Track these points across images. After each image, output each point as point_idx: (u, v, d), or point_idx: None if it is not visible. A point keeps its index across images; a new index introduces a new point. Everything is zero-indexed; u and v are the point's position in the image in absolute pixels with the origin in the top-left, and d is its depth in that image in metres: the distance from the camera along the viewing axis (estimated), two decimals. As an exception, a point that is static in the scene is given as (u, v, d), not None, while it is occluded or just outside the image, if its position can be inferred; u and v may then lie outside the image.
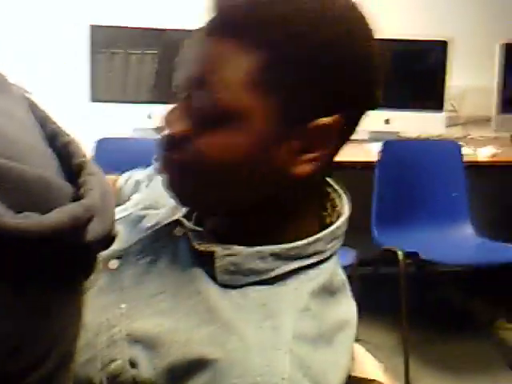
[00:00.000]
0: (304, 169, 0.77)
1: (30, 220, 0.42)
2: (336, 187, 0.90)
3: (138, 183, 1.03)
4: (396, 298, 2.86)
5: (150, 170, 1.02)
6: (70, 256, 0.48)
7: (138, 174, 1.05)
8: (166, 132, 0.78)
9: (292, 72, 0.73)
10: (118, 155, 2.66)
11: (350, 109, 0.78)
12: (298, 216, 0.83)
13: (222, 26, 0.75)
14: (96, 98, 3.22)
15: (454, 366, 2.96)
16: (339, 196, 0.88)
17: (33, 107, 0.55)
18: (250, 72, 0.73)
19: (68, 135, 0.55)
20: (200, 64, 0.76)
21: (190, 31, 0.79)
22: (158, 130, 0.79)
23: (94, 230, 0.49)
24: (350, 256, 2.66)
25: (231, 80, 0.73)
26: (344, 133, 0.79)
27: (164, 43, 3.20)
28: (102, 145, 2.86)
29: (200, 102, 0.75)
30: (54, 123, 0.56)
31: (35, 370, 0.48)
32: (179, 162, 0.78)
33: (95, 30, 3.17)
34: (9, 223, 0.41)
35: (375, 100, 0.81)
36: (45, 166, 0.48)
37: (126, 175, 1.06)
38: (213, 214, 0.86)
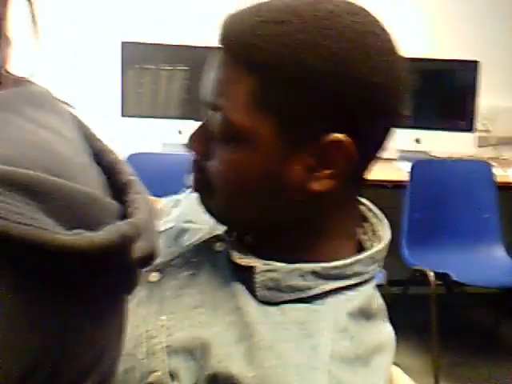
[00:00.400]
0: (323, 185, 0.77)
1: (81, 237, 0.43)
2: (376, 212, 0.89)
3: (178, 202, 1.03)
4: (425, 319, 2.83)
5: (190, 190, 1.03)
6: (116, 273, 0.49)
7: (179, 196, 1.06)
8: (190, 152, 0.83)
9: (283, 93, 0.74)
10: (148, 170, 2.67)
11: (367, 125, 0.77)
12: (332, 236, 0.82)
13: (229, 50, 0.77)
14: (127, 113, 3.25)
15: (485, 389, 2.92)
16: (380, 221, 0.88)
17: (80, 125, 0.57)
18: (252, 94, 0.75)
19: (114, 153, 0.56)
20: (213, 86, 0.78)
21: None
22: (186, 149, 0.84)
23: (139, 249, 0.50)
24: (380, 276, 2.64)
25: (237, 102, 0.75)
26: (365, 149, 0.78)
27: (195, 59, 3.22)
28: (133, 160, 2.87)
29: (215, 123, 0.78)
30: (100, 141, 0.57)
31: None
32: (202, 181, 0.82)
33: (127, 46, 3.21)
34: (61, 240, 0.42)
35: (396, 117, 0.79)
36: (93, 185, 0.50)
37: (168, 198, 1.08)
38: (245, 231, 0.86)
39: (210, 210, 0.84)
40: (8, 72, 0.54)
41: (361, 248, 0.85)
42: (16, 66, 0.55)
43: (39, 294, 0.43)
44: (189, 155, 0.83)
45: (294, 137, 0.75)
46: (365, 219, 0.89)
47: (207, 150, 0.80)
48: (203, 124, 0.82)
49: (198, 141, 0.82)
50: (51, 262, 0.42)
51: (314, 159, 0.76)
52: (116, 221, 0.48)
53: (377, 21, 0.78)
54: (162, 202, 1.07)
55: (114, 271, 0.48)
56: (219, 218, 0.84)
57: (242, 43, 0.75)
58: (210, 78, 0.79)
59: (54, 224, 0.43)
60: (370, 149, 0.80)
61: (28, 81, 0.55)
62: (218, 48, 0.79)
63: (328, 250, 0.81)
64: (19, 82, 0.54)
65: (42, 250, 0.41)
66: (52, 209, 0.43)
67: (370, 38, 0.75)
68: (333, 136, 0.74)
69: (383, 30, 0.78)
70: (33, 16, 0.56)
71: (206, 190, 0.82)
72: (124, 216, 0.50)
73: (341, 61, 0.73)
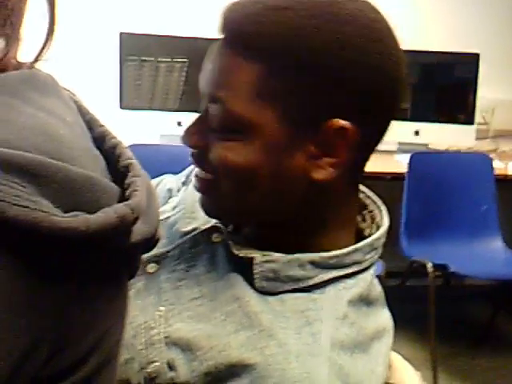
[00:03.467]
0: (325, 174, 0.77)
1: (78, 219, 0.44)
2: (375, 199, 0.89)
3: (169, 191, 1.03)
4: (423, 310, 2.83)
5: (181, 175, 1.02)
6: (115, 256, 0.49)
7: (170, 181, 1.04)
8: (188, 145, 0.80)
9: (284, 80, 0.74)
10: (146, 161, 2.67)
11: (371, 113, 0.77)
12: (333, 225, 0.83)
13: (229, 40, 0.76)
14: (125, 105, 3.24)
15: (482, 380, 2.92)
16: (378, 208, 0.88)
17: (81, 110, 0.57)
18: (254, 83, 0.74)
19: (115, 137, 0.56)
20: (212, 77, 0.78)
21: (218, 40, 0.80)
22: (182, 142, 0.82)
23: (139, 231, 0.50)
24: (378, 267, 2.63)
25: (238, 92, 0.75)
26: (368, 138, 0.78)
27: (194, 51, 3.21)
28: (131, 151, 2.87)
29: (214, 114, 0.77)
30: (102, 126, 0.57)
31: (79, 369, 0.48)
32: (202, 174, 0.81)
33: (125, 37, 3.20)
34: (57, 222, 0.42)
35: (396, 110, 0.79)
36: (92, 167, 0.50)
37: (156, 180, 1.06)
38: (246, 224, 0.86)
39: (205, 206, 0.83)
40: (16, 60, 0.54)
41: (360, 235, 0.85)
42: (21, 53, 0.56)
43: (36, 277, 0.43)
44: (186, 147, 0.82)
45: (296, 124, 0.75)
46: (363, 207, 0.89)
47: (205, 143, 0.79)
48: (201, 117, 0.80)
49: (196, 134, 0.80)
50: (49, 243, 0.42)
51: (317, 147, 0.76)
52: (115, 203, 0.48)
53: (377, 9, 0.78)
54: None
55: (113, 254, 0.48)
56: (214, 214, 0.83)
57: (244, 31, 0.74)
58: (209, 70, 0.78)
59: (51, 206, 0.43)
60: (373, 138, 0.80)
61: (31, 66, 0.55)
62: (218, 38, 0.78)
63: (328, 240, 0.82)
64: (22, 66, 0.54)
65: (39, 232, 0.41)
66: (50, 191, 0.43)
67: (376, 25, 0.76)
68: (337, 122, 0.74)
69: (385, 18, 0.78)
70: (52, 14, 0.56)
71: (202, 183, 0.81)
72: (124, 199, 0.50)
73: (346, 45, 0.73)
